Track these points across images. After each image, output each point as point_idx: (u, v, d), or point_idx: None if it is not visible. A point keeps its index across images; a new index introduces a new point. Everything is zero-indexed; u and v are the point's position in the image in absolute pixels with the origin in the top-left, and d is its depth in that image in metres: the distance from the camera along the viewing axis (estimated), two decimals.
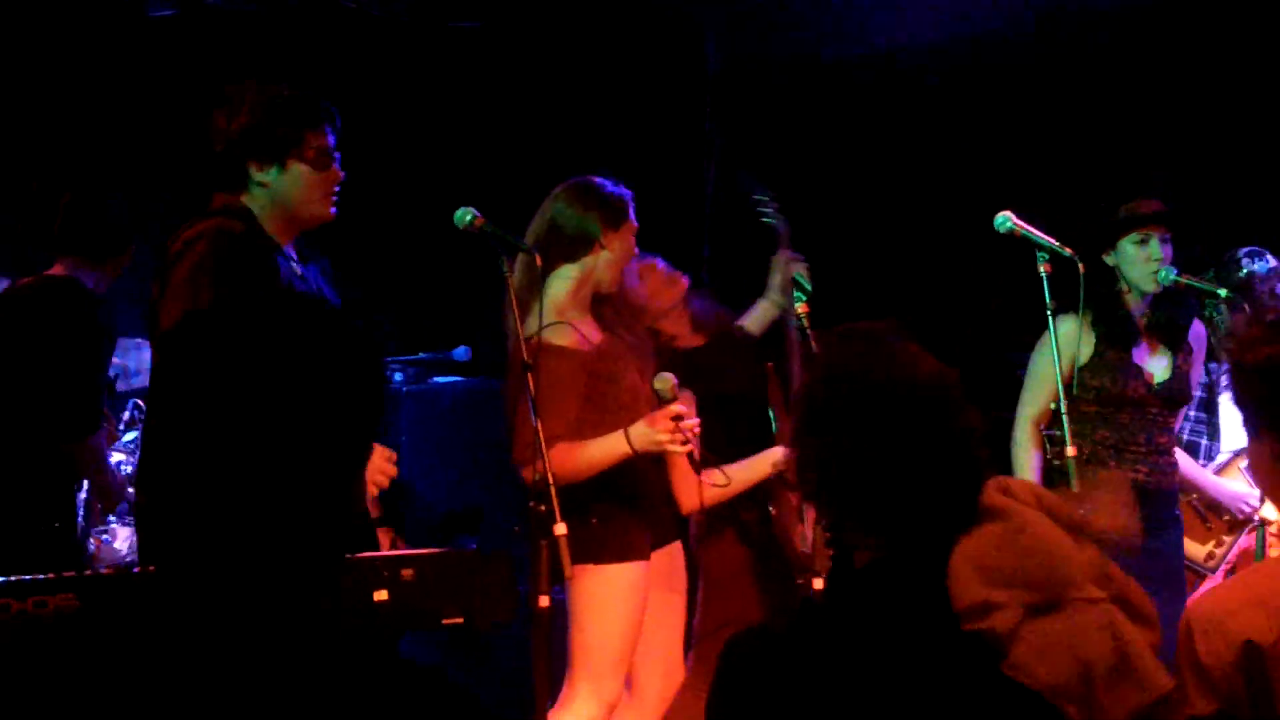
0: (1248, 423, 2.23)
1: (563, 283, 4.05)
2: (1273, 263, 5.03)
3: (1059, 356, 4.13)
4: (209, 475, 1.45)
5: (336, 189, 3.55)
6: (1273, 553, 3.83)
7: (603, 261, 4.09)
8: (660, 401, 3.85)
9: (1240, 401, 2.24)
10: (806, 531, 4.23)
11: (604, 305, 4.16)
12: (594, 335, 4.08)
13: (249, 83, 3.51)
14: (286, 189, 3.48)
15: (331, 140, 3.54)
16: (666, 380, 3.86)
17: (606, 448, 3.89)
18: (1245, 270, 5.00)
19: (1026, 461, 4.39)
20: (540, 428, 3.61)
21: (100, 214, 4.63)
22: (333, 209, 3.56)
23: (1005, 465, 4.42)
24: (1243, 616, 2.02)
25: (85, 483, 4.70)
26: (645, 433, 3.83)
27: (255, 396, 1.44)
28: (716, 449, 4.25)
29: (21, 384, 4.45)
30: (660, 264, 4.56)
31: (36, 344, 4.46)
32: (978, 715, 1.87)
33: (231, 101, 3.48)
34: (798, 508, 4.27)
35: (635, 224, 4.16)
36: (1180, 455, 4.55)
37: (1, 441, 4.47)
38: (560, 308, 4.02)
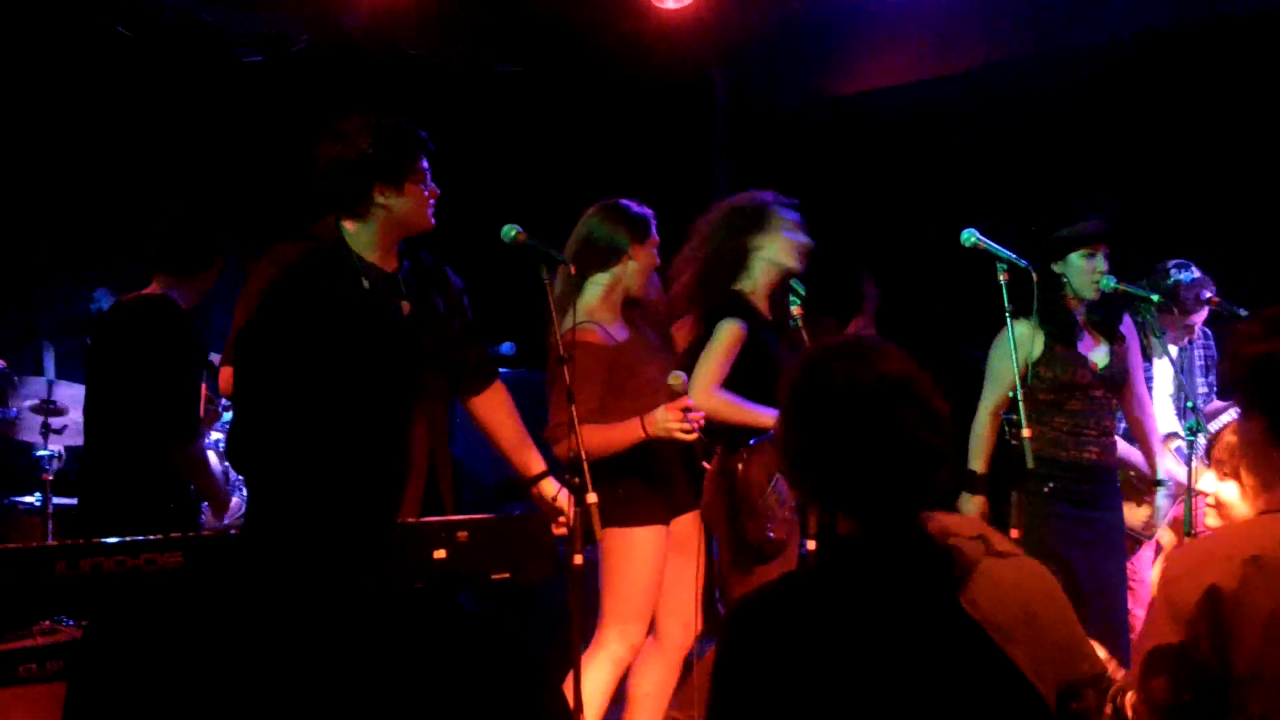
0: (1241, 403, 2.26)
1: (595, 289, 4.11)
2: (1196, 273, 5.03)
3: (1014, 352, 4.18)
4: (264, 455, 1.50)
5: (433, 203, 3.55)
6: (1208, 521, 3.84)
7: (630, 270, 4.14)
8: (673, 395, 3.89)
9: (1236, 386, 2.27)
10: (765, 485, 4.15)
11: (632, 309, 4.21)
12: (619, 334, 4.11)
13: (356, 117, 3.44)
14: (403, 207, 3.47)
15: (426, 162, 3.52)
16: (679, 377, 3.88)
17: (624, 431, 3.92)
18: (1173, 279, 4.99)
19: (979, 446, 4.45)
20: (574, 411, 3.65)
21: (186, 234, 4.44)
22: (433, 219, 3.57)
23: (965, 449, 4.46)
24: (1211, 566, 2.07)
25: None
26: (658, 420, 3.86)
27: (292, 387, 1.47)
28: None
29: (131, 393, 4.31)
30: (802, 237, 4.45)
31: (140, 358, 4.32)
32: (946, 659, 1.90)
33: (348, 134, 3.42)
34: (768, 466, 4.15)
35: (657, 239, 4.22)
36: (1119, 440, 4.61)
37: (116, 444, 4.36)
38: (592, 310, 4.06)
